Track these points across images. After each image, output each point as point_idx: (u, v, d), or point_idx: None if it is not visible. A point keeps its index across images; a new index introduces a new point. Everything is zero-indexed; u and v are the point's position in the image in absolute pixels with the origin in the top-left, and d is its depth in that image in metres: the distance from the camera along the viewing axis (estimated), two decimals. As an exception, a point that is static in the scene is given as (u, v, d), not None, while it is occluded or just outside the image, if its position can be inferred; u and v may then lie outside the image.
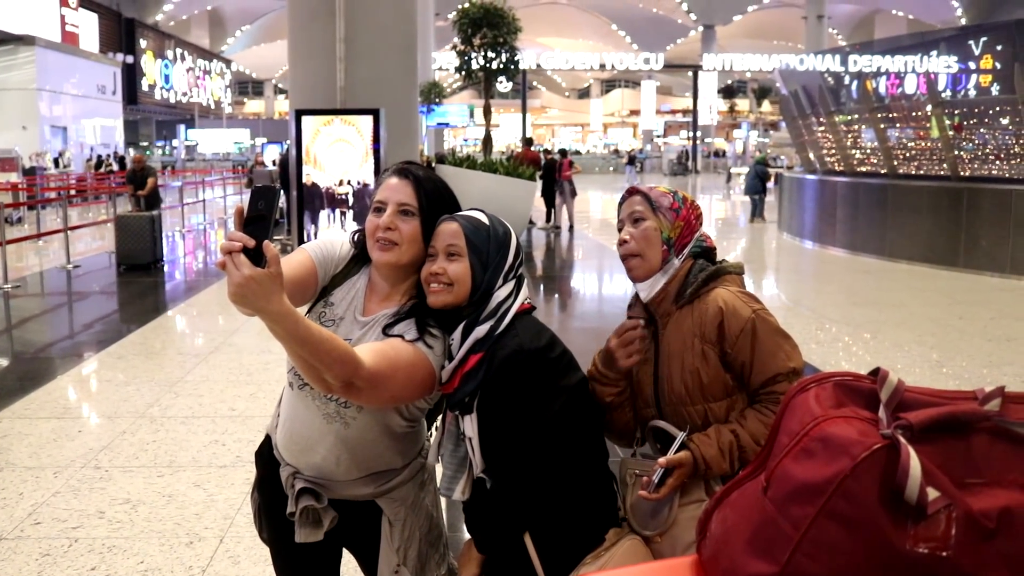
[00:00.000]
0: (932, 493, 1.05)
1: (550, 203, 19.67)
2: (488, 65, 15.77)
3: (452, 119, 36.93)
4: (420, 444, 2.31)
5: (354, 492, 2.19)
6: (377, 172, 12.49)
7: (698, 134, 55.85)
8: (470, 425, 2.05)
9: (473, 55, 16.08)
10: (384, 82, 13.46)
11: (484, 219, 2.11)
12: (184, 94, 56.03)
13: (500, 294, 2.07)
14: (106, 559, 3.96)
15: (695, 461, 2.07)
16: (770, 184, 21.73)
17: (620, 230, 2.27)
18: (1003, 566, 1.06)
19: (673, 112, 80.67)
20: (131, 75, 46.14)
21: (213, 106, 62.37)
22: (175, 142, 55.76)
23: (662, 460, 2.07)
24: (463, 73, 16.33)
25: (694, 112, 56.01)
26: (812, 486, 1.10)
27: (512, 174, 14.19)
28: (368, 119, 12.79)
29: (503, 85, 19.81)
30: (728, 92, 76.62)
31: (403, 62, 14.00)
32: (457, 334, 2.04)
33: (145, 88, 49.55)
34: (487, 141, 16.36)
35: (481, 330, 2.02)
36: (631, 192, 2.29)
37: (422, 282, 2.10)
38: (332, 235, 2.25)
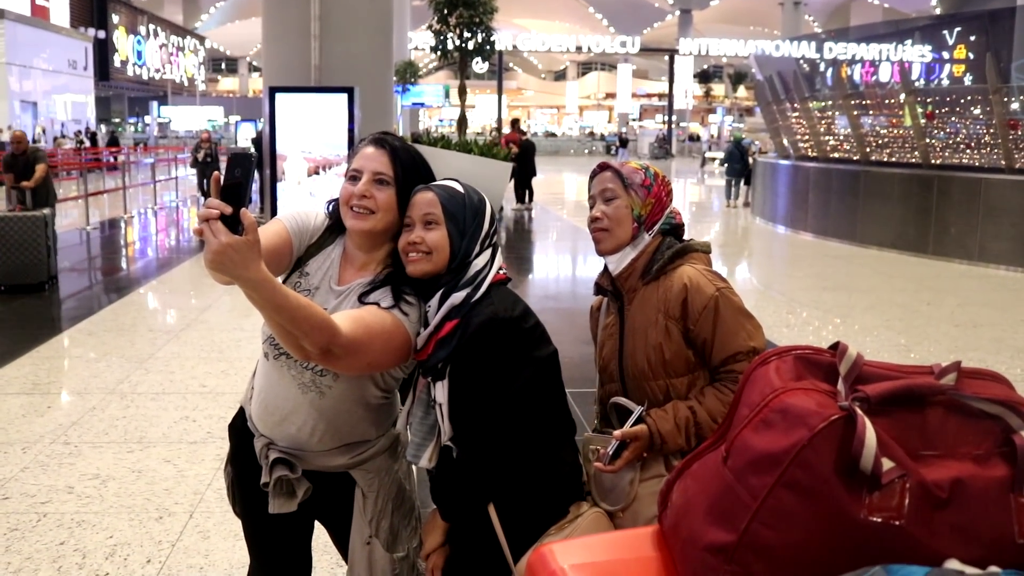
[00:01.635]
0: (887, 464, 1.08)
1: (524, 184, 19.67)
2: (464, 45, 15.72)
3: (427, 99, 36.79)
4: (394, 416, 2.31)
5: (328, 463, 2.19)
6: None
7: (674, 118, 55.91)
8: (441, 391, 2.06)
9: (449, 35, 16.02)
10: (359, 61, 13.40)
11: (459, 188, 2.12)
12: (157, 71, 55.48)
13: (478, 263, 2.09)
14: (75, 534, 3.95)
15: (651, 435, 2.09)
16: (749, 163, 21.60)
17: (592, 207, 2.29)
18: (953, 535, 1.09)
19: (649, 96, 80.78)
20: (103, 51, 45.56)
21: (187, 83, 61.78)
22: (147, 119, 55.14)
23: (617, 433, 2.10)
24: (439, 53, 16.27)
25: (670, 96, 56.04)
26: (770, 456, 1.12)
27: (486, 154, 14.20)
28: (342, 97, 12.70)
29: (479, 66, 19.73)
30: (704, 77, 76.77)
31: (378, 41, 13.94)
32: (434, 301, 2.06)
33: (117, 64, 49.02)
34: (462, 121, 16.34)
35: (458, 296, 2.04)
36: (602, 167, 2.29)
37: (400, 252, 2.11)
38: (306, 206, 2.25)
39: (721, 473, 1.20)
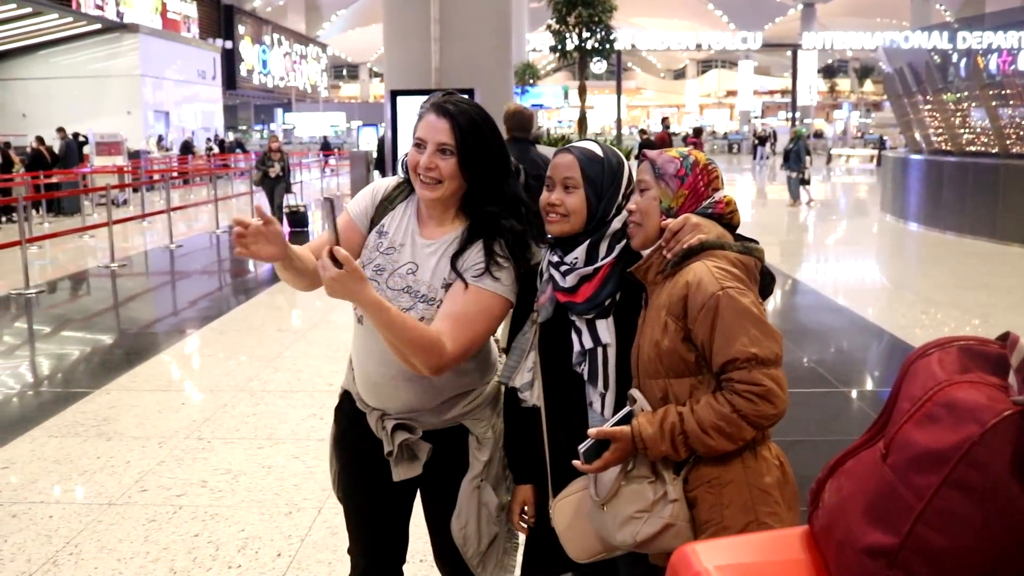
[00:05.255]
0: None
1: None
2: (583, 45, 15.63)
3: (546, 100, 36.92)
4: (493, 361, 2.41)
5: (441, 418, 2.29)
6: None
7: (797, 115, 54.55)
8: (607, 331, 2.12)
9: (568, 35, 15.96)
10: (479, 62, 13.46)
11: (599, 150, 2.19)
12: (281, 79, 57.07)
13: (615, 224, 2.17)
14: (208, 526, 4.05)
15: (632, 438, 1.97)
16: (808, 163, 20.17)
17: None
18: None
19: (771, 93, 78.97)
20: (230, 61, 47.11)
21: (309, 90, 63.37)
22: (272, 126, 56.83)
23: (592, 431, 2.00)
24: (558, 53, 16.23)
25: (793, 92, 54.69)
26: (936, 453, 1.03)
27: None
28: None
29: (597, 66, 19.65)
30: (828, 72, 74.61)
31: (497, 42, 13.99)
32: (580, 252, 2.13)
33: (244, 73, 50.57)
34: (582, 121, 16.25)
35: (603, 247, 2.15)
36: (642, 158, 2.21)
37: (540, 210, 2.20)
38: (365, 189, 2.39)
39: (880, 471, 1.11)
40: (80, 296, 10.74)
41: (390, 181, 2.37)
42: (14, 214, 15.81)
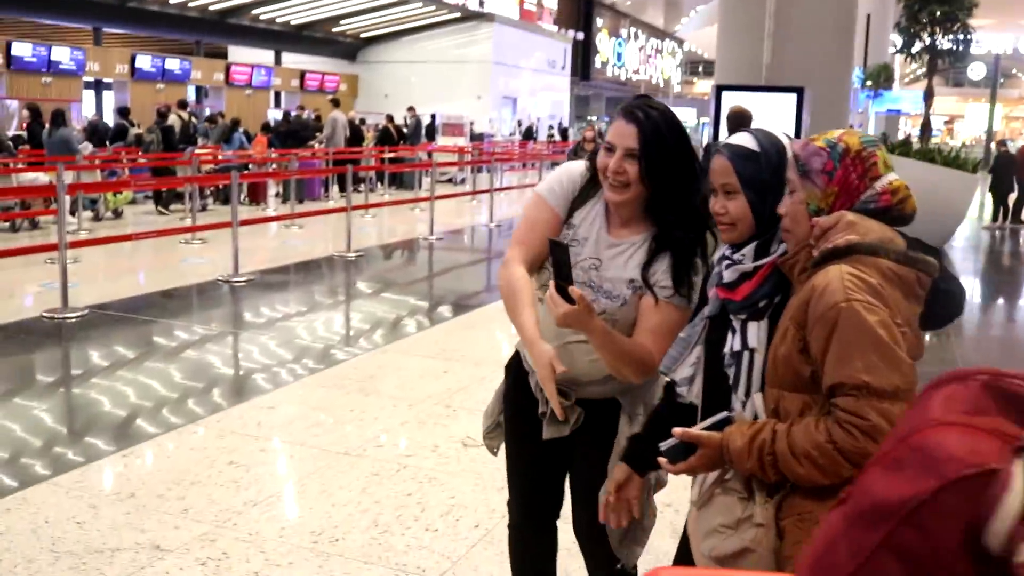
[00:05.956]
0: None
1: (1000, 200, 17.56)
2: (935, 45, 14.41)
3: (904, 106, 34.56)
4: None
5: (598, 390, 2.40)
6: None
7: None
8: (756, 333, 1.95)
9: (919, 34, 14.78)
10: (813, 61, 12.82)
11: (752, 143, 2.00)
12: (635, 72, 57.77)
13: None
14: (423, 488, 4.18)
15: (720, 447, 1.75)
16: None
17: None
18: None
19: None
20: (586, 52, 48.36)
21: (662, 84, 63.67)
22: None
23: (678, 430, 1.81)
24: (905, 53, 15.08)
25: None
26: (884, 507, 0.80)
27: (951, 164, 12.93)
28: (790, 98, 12.25)
29: (974, 72, 18.02)
30: None
31: (837, 41, 13.25)
32: (749, 250, 1.99)
33: (598, 65, 51.69)
34: (925, 127, 15.01)
35: (776, 244, 1.98)
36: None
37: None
38: (557, 171, 2.49)
39: (833, 519, 0.88)
40: (390, 263, 11.51)
41: (583, 172, 2.44)
42: (362, 184, 17.31)
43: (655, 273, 2.29)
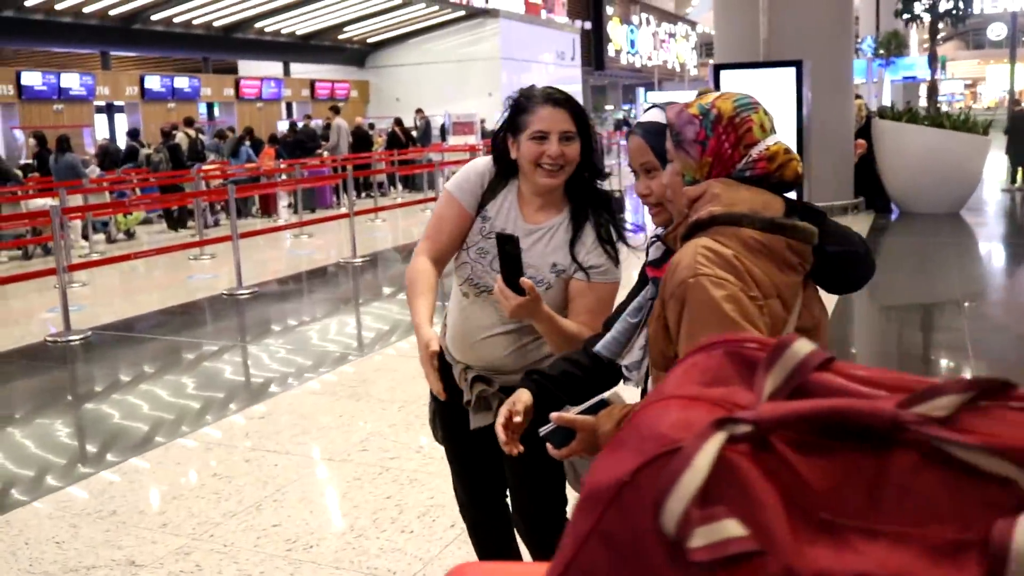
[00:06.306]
0: (709, 530, 0.68)
1: (1017, 162, 17.23)
2: (935, 6, 14.18)
3: (920, 72, 34.09)
4: None
5: (520, 377, 2.39)
6: (800, 133, 11.87)
7: None
8: None
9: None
10: (812, 32, 12.69)
11: (663, 117, 1.91)
12: (648, 58, 57.49)
13: None
14: (404, 490, 4.18)
15: (594, 431, 1.72)
16: None
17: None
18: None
19: None
20: (598, 42, 48.22)
21: (678, 68, 63.31)
22: (633, 106, 57.41)
23: (554, 415, 1.78)
24: (904, 16, 14.86)
25: None
26: (598, 489, 0.77)
27: (960, 128, 12.72)
28: (789, 72, 12.10)
29: (993, 32, 17.74)
30: None
31: (836, 9, 13.11)
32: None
33: (611, 54, 51.49)
34: (932, 90, 14.78)
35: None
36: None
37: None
38: (464, 169, 2.54)
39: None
40: (396, 267, 11.48)
41: (488, 166, 2.50)
42: (372, 189, 17.34)
43: (580, 252, 2.37)
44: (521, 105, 2.35)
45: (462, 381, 2.50)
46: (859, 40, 32.40)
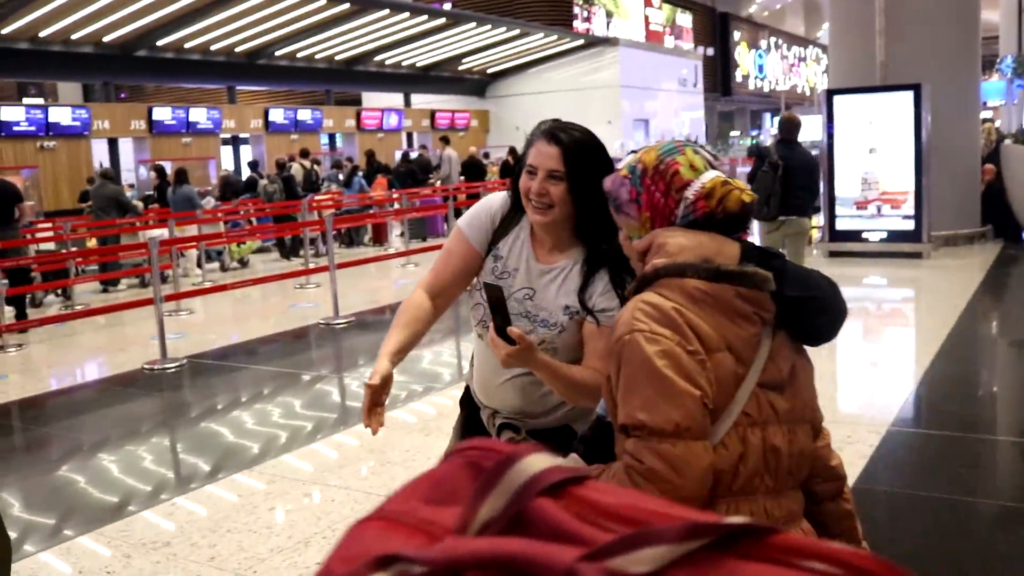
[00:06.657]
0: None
1: None
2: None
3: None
4: None
5: (549, 420, 2.40)
6: (919, 162, 11.39)
7: None
8: None
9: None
10: (932, 55, 12.13)
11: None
12: (776, 82, 56.43)
13: None
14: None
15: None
16: None
17: None
18: None
19: None
20: (724, 67, 47.67)
21: (808, 92, 61.93)
22: (760, 132, 56.42)
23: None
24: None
25: None
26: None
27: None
28: (907, 96, 11.62)
29: None
30: None
31: (960, 31, 12.49)
32: None
33: (739, 79, 50.78)
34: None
35: None
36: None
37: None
38: (477, 205, 2.49)
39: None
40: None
41: (503, 203, 2.44)
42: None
43: (592, 296, 2.28)
44: (528, 139, 2.31)
45: (491, 427, 2.44)
46: (999, 60, 31.03)
